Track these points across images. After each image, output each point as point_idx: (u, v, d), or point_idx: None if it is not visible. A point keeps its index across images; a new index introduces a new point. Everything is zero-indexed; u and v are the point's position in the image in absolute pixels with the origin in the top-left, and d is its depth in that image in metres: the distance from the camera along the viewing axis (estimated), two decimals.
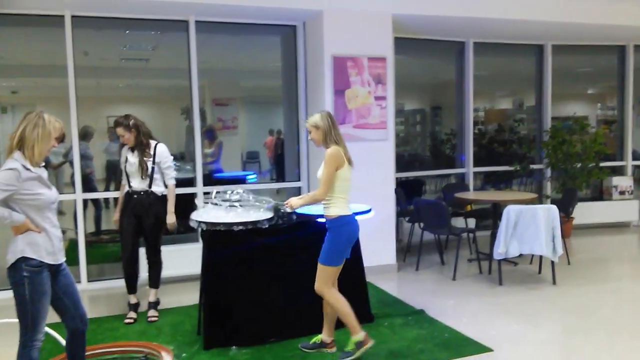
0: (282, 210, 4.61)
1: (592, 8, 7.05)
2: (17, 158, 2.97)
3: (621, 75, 8.87)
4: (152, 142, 4.89)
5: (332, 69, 5.99)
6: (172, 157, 4.99)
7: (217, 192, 4.67)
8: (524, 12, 6.76)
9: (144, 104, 7.49)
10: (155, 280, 5.06)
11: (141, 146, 4.84)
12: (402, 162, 7.85)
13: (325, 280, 3.89)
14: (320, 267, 3.90)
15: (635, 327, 4.64)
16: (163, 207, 4.89)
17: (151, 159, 4.84)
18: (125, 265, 4.99)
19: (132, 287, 5.03)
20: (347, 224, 3.86)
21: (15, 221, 2.96)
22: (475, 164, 8.09)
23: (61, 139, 3.21)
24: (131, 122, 4.85)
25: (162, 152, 4.91)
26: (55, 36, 5.72)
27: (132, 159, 4.87)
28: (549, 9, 6.84)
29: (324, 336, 4.18)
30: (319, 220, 4.54)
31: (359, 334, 3.88)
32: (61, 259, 3.17)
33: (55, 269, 3.12)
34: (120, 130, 4.87)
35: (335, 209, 3.83)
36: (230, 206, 4.46)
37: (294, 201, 3.95)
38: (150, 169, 4.83)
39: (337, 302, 3.90)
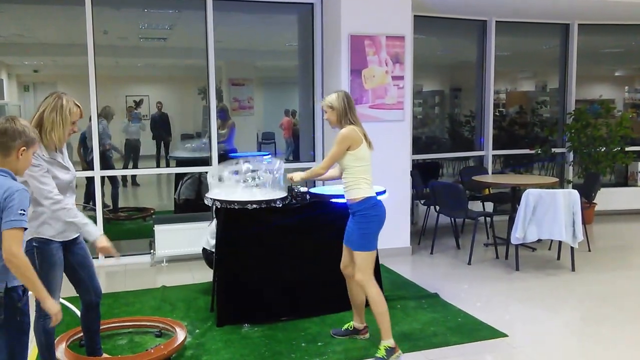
0: (295, 190, 4.60)
1: None
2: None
3: None
4: None
5: (349, 48, 5.90)
6: None
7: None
8: None
9: (162, 83, 7.51)
10: None
11: None
12: (420, 144, 7.76)
13: (367, 268, 3.66)
14: (357, 255, 3.67)
15: None
16: None
17: None
18: None
19: None
20: (375, 206, 3.69)
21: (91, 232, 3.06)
22: (495, 147, 7.96)
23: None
24: None
25: None
26: (76, 14, 5.73)
27: None
28: None
29: (355, 323, 4.05)
30: (333, 200, 4.53)
31: (390, 340, 3.66)
32: (76, 233, 3.19)
33: (69, 242, 3.15)
34: None
35: (360, 190, 3.66)
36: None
37: (295, 175, 3.91)
38: None
39: (376, 299, 3.67)
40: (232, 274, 4.30)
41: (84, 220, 3.03)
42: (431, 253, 6.37)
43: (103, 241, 3.13)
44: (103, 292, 3.40)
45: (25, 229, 2.39)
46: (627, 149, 7.93)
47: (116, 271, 5.85)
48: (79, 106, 3.09)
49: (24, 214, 2.36)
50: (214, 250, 4.68)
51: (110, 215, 6.91)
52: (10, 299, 2.41)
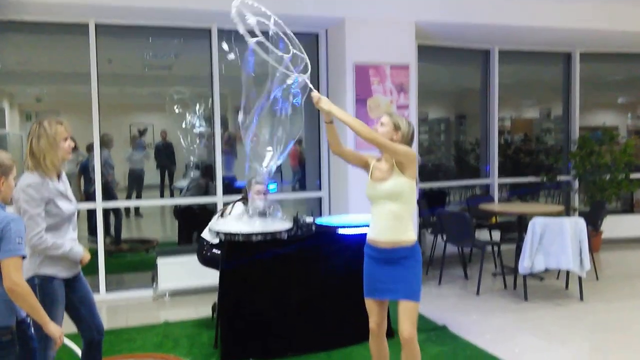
0: (301, 221, 4.55)
1: (623, 14, 6.85)
2: (33, 174, 2.93)
3: None
4: None
5: (354, 77, 5.91)
6: None
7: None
8: (550, 19, 6.60)
9: (167, 111, 7.53)
10: None
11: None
12: (426, 172, 7.72)
13: (415, 322, 3.18)
14: (411, 306, 3.15)
15: None
16: None
17: None
18: None
19: None
20: (419, 247, 3.25)
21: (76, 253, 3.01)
22: (501, 175, 7.92)
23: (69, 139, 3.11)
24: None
25: None
26: (79, 44, 5.75)
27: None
28: (576, 16, 6.67)
29: None
30: (339, 231, 4.47)
31: None
32: (77, 270, 3.13)
33: (71, 279, 3.08)
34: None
35: (412, 232, 3.18)
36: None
37: (324, 101, 3.14)
38: None
39: (418, 355, 3.26)
40: (237, 308, 4.22)
41: (68, 247, 2.96)
42: (439, 283, 6.28)
43: (87, 256, 3.12)
44: (104, 328, 3.32)
45: (24, 257, 2.43)
46: (631, 176, 7.89)
47: (118, 306, 5.75)
48: (61, 123, 3.00)
49: (21, 243, 2.41)
50: (211, 243, 4.63)
51: (112, 248, 6.84)
52: (22, 332, 2.49)
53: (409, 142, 3.19)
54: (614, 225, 7.99)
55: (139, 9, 5.46)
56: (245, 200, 4.75)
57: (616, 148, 7.90)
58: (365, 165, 3.31)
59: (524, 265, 5.51)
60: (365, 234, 4.51)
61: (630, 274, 6.81)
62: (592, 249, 6.53)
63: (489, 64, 7.73)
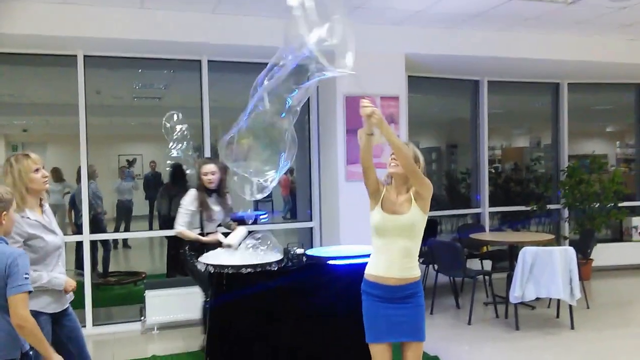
0: (292, 252, 4.51)
1: (609, 46, 6.97)
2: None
3: (638, 113, 8.73)
4: None
5: (344, 108, 5.94)
6: None
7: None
8: (538, 51, 6.71)
9: (157, 142, 7.50)
10: None
11: (222, 191, 4.73)
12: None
13: None
14: (419, 347, 2.99)
15: None
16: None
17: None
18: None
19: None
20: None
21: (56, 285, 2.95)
22: (492, 204, 7.94)
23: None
24: (223, 163, 4.76)
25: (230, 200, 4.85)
26: (68, 75, 5.76)
27: (215, 205, 4.75)
28: (563, 48, 6.78)
29: None
30: (330, 262, 4.44)
31: None
32: (65, 305, 3.06)
33: (58, 314, 3.02)
34: (211, 167, 4.70)
35: (418, 268, 3.04)
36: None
37: (377, 113, 3.00)
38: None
39: None
40: (226, 342, 4.14)
41: (45, 279, 2.89)
42: (431, 313, 6.23)
43: (70, 282, 3.04)
44: None
45: (30, 292, 2.49)
46: (620, 204, 7.94)
47: (105, 340, 5.62)
48: (29, 156, 2.96)
49: (27, 278, 2.46)
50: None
51: (99, 280, 6.73)
52: None
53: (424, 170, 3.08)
54: (604, 254, 8.01)
55: (128, 41, 5.49)
56: (200, 187, 4.75)
57: (605, 177, 7.96)
58: (375, 191, 3.04)
59: (514, 295, 5.49)
60: (357, 265, 4.52)
61: (620, 302, 6.82)
62: (583, 278, 6.53)
63: (478, 94, 7.82)
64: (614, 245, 8.36)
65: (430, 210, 3.06)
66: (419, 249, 3.04)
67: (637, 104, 8.73)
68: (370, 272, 3.02)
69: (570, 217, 8.05)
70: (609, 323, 5.84)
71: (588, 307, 6.29)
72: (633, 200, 8.63)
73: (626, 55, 7.08)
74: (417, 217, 2.94)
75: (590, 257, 7.68)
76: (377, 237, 2.98)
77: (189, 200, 4.74)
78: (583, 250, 7.20)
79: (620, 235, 8.59)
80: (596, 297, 6.88)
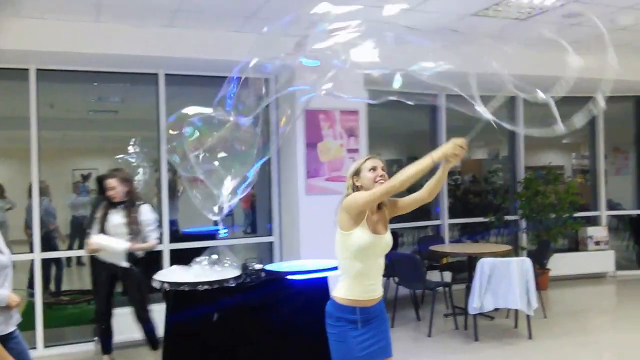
0: (250, 268, 4.46)
1: (558, 62, 7.16)
2: None
3: (592, 126, 8.99)
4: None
5: (304, 122, 5.94)
6: (154, 217, 4.80)
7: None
8: (492, 66, 6.83)
9: (113, 156, 7.33)
10: (152, 340, 4.79)
11: (130, 204, 4.62)
12: None
13: None
14: None
15: None
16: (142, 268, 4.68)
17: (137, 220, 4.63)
18: (99, 320, 4.74)
19: (106, 347, 4.74)
20: None
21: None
22: (452, 215, 8.02)
23: None
24: (127, 175, 4.66)
25: (147, 212, 4.70)
26: (19, 89, 5.59)
27: (117, 218, 4.62)
28: (518, 62, 6.93)
29: None
30: (289, 277, 4.40)
31: None
32: (12, 327, 2.94)
33: (4, 337, 2.89)
34: (113, 182, 4.61)
35: None
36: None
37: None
38: (138, 231, 4.60)
39: None
40: None
41: None
42: (392, 326, 6.22)
43: (13, 298, 2.93)
44: None
45: None
46: (576, 215, 8.13)
47: None
48: None
49: None
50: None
51: (51, 300, 6.50)
52: None
53: None
54: (561, 263, 8.16)
55: (83, 55, 5.39)
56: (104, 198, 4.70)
57: (561, 188, 8.14)
58: (364, 212, 2.80)
59: (473, 306, 5.54)
60: (317, 280, 4.49)
61: (576, 311, 6.96)
62: (540, 287, 6.65)
63: (436, 108, 7.92)
64: (570, 255, 8.52)
65: (390, 223, 3.02)
66: None
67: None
68: (347, 296, 2.79)
69: (528, 228, 8.21)
70: (566, 331, 5.95)
71: (545, 317, 6.39)
72: (588, 211, 8.86)
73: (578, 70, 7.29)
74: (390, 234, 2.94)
75: (547, 267, 7.84)
76: (359, 259, 2.78)
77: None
78: (540, 261, 7.34)
79: (576, 245, 8.79)
80: (553, 307, 7.02)
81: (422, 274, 5.98)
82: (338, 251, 2.84)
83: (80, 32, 5.24)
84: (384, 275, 6.76)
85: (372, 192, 2.76)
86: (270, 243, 6.49)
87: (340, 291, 2.82)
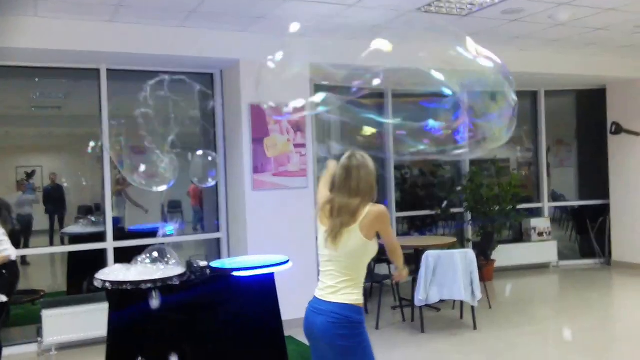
0: (195, 265, 4.43)
1: (504, 57, 7.33)
2: None
3: (534, 119, 9.28)
4: None
5: (250, 117, 5.93)
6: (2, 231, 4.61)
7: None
8: (438, 63, 6.96)
9: (57, 152, 7.21)
10: None
11: None
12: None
13: None
14: None
15: None
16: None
17: None
18: None
19: None
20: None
21: None
22: (402, 209, 8.15)
23: None
24: None
25: None
26: None
27: None
28: (460, 59, 7.09)
29: None
30: (234, 274, 4.40)
31: None
32: None
33: None
34: None
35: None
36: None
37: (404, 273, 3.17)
38: None
39: None
40: None
41: None
42: None
43: None
44: None
45: None
46: (519, 206, 8.37)
47: None
48: None
49: None
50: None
51: None
52: None
53: None
54: (506, 254, 8.41)
55: (23, 50, 5.25)
56: None
57: (504, 180, 8.37)
58: None
59: (419, 298, 5.66)
60: (263, 276, 4.50)
61: (521, 301, 7.18)
62: (485, 278, 6.84)
63: (384, 104, 8.02)
64: (514, 246, 8.78)
65: None
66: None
67: (532, 111, 9.28)
68: (360, 300, 2.84)
69: (473, 221, 8.42)
70: (510, 321, 6.12)
71: (490, 307, 6.57)
72: (532, 202, 9.15)
73: (519, 64, 7.51)
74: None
75: (492, 259, 8.06)
76: (367, 265, 2.93)
77: None
78: (484, 252, 7.54)
79: (520, 236, 9.06)
80: (498, 297, 7.22)
81: (369, 267, 6.05)
82: (356, 258, 2.82)
83: (19, 26, 5.08)
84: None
85: (395, 241, 3.11)
86: (218, 239, 6.47)
87: (356, 296, 2.81)
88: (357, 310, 2.78)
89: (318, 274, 2.93)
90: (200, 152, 4.47)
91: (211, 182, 4.46)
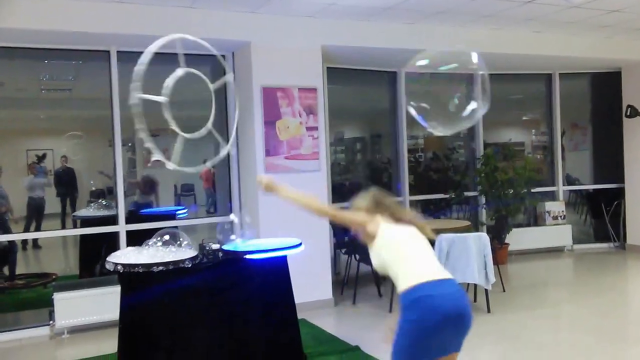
0: (207, 248, 4.40)
1: (519, 39, 7.23)
2: None
3: (549, 102, 9.13)
4: None
5: (262, 99, 5.87)
6: None
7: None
8: (451, 43, 6.84)
9: (68, 135, 7.16)
10: None
11: None
12: (343, 192, 7.73)
13: None
14: None
15: (571, 352, 4.65)
16: None
17: None
18: None
19: None
20: (415, 303, 2.59)
21: None
22: (416, 192, 8.08)
23: None
24: None
25: None
26: None
27: None
28: (475, 40, 6.97)
29: None
30: (247, 256, 4.36)
31: None
32: None
33: None
34: None
35: (400, 282, 2.72)
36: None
37: (271, 183, 3.25)
38: None
39: None
40: (139, 345, 3.99)
41: None
42: (353, 303, 6.29)
43: None
44: None
45: None
46: (533, 190, 8.27)
47: (9, 347, 5.30)
48: None
49: None
50: None
51: (5, 284, 6.35)
52: None
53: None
54: (519, 238, 8.33)
55: (32, 31, 5.19)
56: None
57: (519, 163, 8.26)
58: (371, 219, 2.99)
59: None
60: (275, 259, 4.47)
61: (534, 284, 7.12)
62: (498, 262, 6.77)
63: (396, 85, 7.92)
64: (528, 230, 8.70)
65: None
66: (391, 265, 2.82)
67: (547, 94, 9.13)
68: None
69: (487, 204, 8.33)
70: (524, 305, 6.07)
71: (504, 291, 6.52)
72: (547, 186, 9.04)
73: (533, 47, 7.37)
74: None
75: (506, 242, 7.98)
76: None
77: None
78: (498, 236, 7.47)
79: (534, 220, 8.97)
80: (512, 281, 7.16)
81: None
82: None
83: (28, 7, 5.03)
84: (345, 253, 6.85)
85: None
86: (231, 222, 6.43)
87: None
88: None
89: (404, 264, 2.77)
90: None
91: None
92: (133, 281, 3.98)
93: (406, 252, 2.80)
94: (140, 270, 3.91)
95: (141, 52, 6.04)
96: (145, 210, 6.69)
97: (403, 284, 2.66)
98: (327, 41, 6.15)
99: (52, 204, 7.97)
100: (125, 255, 4.12)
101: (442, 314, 2.54)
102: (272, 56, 5.91)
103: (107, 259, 4.08)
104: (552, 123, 9.14)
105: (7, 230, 6.47)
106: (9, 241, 6.48)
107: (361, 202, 3.02)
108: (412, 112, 3.13)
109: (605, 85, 9.10)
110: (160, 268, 3.93)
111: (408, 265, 2.74)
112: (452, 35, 6.79)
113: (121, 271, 3.95)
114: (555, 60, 8.00)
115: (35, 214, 7.77)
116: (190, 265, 4.05)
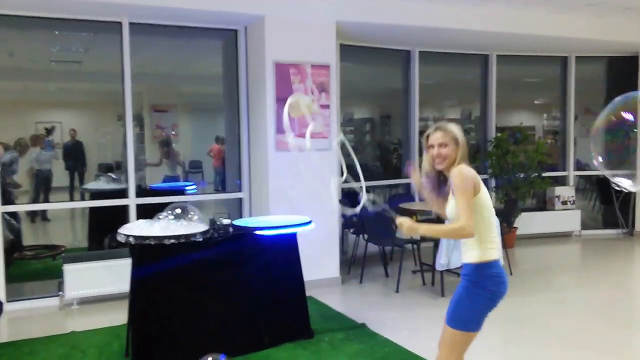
0: (218, 223, 4.40)
1: (536, 19, 7.11)
2: None
3: (563, 86, 9.02)
4: None
5: (274, 75, 5.80)
6: None
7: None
8: (468, 23, 6.75)
9: (77, 109, 7.13)
10: None
11: None
12: (352, 172, 7.70)
13: (453, 350, 2.89)
14: (449, 333, 2.86)
15: (577, 336, 4.64)
16: None
17: None
18: None
19: None
20: (496, 277, 2.78)
21: None
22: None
23: None
24: None
25: None
26: None
27: None
28: (492, 20, 6.86)
29: None
30: (257, 232, 4.36)
31: None
32: None
33: None
34: None
35: (477, 253, 2.77)
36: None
37: (413, 225, 2.90)
38: None
39: None
40: (149, 315, 4.01)
41: None
42: (360, 282, 6.29)
43: None
44: (4, 340, 3.03)
45: None
46: (544, 174, 8.20)
47: (20, 317, 5.33)
48: None
49: None
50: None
51: (15, 255, 6.36)
52: None
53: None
54: (528, 222, 8.29)
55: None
56: None
57: (530, 147, 8.19)
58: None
59: (440, 262, 5.54)
60: (285, 235, 4.47)
61: (542, 268, 7.11)
62: (507, 245, 6.74)
63: (409, 65, 7.83)
64: (538, 214, 8.64)
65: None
66: (482, 236, 2.76)
67: (561, 77, 9.01)
68: None
69: (497, 187, 8.28)
70: (531, 288, 6.06)
71: (511, 274, 6.51)
72: (557, 171, 8.97)
73: (551, 28, 7.25)
74: (452, 205, 2.80)
75: (515, 226, 7.95)
76: None
77: None
78: (507, 219, 7.42)
79: (544, 204, 8.92)
80: (520, 264, 7.15)
81: (391, 231, 5.99)
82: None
83: None
84: (353, 233, 6.82)
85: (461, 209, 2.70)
86: (240, 199, 6.41)
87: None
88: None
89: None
90: None
91: None
92: (144, 253, 3.99)
93: (493, 220, 2.81)
94: (152, 243, 3.91)
95: (157, 25, 5.99)
96: (154, 186, 6.67)
97: (490, 253, 2.76)
98: (342, 17, 6.06)
99: (60, 178, 7.99)
100: (137, 228, 4.11)
101: (506, 292, 2.82)
102: (285, 31, 5.83)
103: (119, 230, 4.08)
104: (566, 107, 9.03)
105: (13, 202, 6.44)
106: (11, 213, 6.42)
107: (460, 135, 2.84)
108: None
109: (620, 71, 8.95)
110: (172, 241, 3.93)
111: (495, 235, 2.80)
112: (469, 14, 6.68)
113: (133, 243, 3.95)
114: (573, 42, 7.86)
115: (43, 187, 7.79)
116: (201, 239, 4.05)
